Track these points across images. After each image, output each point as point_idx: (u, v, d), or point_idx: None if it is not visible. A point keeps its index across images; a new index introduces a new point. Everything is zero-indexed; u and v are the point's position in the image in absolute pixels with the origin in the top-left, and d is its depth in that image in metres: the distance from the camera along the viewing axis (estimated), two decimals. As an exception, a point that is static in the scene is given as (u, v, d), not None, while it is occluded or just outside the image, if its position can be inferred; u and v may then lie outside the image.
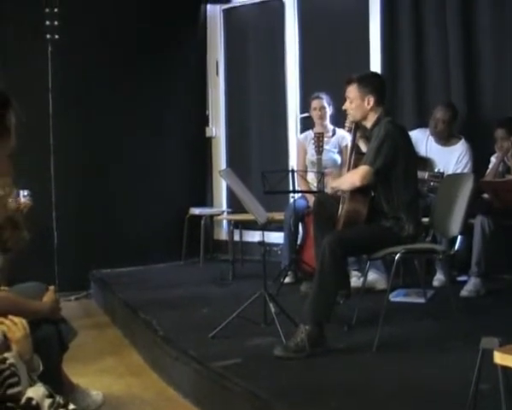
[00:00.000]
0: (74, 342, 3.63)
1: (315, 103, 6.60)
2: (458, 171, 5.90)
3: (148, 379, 4.51)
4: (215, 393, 3.82)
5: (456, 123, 6.16)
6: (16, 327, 2.75)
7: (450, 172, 5.87)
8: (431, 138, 6.18)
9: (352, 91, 4.56)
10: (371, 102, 4.52)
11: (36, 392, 2.45)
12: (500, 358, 2.05)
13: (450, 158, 6.05)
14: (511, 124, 5.67)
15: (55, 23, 7.07)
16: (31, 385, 2.51)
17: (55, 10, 7.06)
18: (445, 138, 6.14)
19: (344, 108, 4.71)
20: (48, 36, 7.07)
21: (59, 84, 7.13)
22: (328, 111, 6.56)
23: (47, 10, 7.05)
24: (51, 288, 3.49)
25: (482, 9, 6.25)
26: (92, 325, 6.05)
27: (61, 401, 2.47)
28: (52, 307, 3.39)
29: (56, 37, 7.09)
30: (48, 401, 2.44)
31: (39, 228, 6.56)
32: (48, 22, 7.06)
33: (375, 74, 5.04)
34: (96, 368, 4.67)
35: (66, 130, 7.17)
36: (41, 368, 2.74)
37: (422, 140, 6.17)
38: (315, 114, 6.62)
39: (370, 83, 4.59)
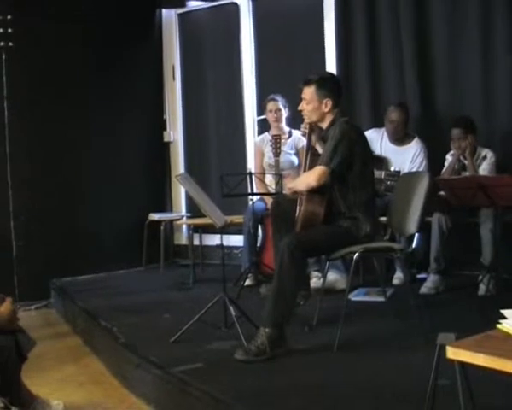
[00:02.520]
0: (34, 352, 3.60)
1: (270, 106, 6.61)
2: (414, 169, 5.93)
3: (110, 387, 4.47)
4: (177, 398, 3.80)
5: (409, 122, 6.20)
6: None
7: (405, 170, 5.88)
8: (386, 138, 6.22)
9: (310, 93, 4.53)
10: (329, 106, 4.51)
11: (-9, 404, 2.43)
12: (452, 353, 2.06)
13: (405, 157, 6.08)
14: (467, 122, 5.71)
15: (9, 30, 6.99)
16: (-14, 397, 2.49)
17: (9, 17, 6.97)
18: (399, 138, 6.18)
19: (300, 108, 4.67)
20: (1, 43, 6.99)
21: (14, 91, 7.05)
22: (284, 113, 6.58)
23: (0, 17, 6.96)
24: (8, 299, 3.46)
25: (435, 10, 6.32)
26: (53, 334, 6.00)
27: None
28: (9, 318, 3.37)
29: (10, 44, 7.00)
30: (3, 413, 2.43)
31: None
32: (1, 29, 6.97)
33: (332, 76, 4.96)
34: (57, 377, 4.64)
35: (23, 138, 7.12)
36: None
37: (377, 140, 6.21)
38: (270, 117, 6.63)
39: (328, 86, 4.55)
